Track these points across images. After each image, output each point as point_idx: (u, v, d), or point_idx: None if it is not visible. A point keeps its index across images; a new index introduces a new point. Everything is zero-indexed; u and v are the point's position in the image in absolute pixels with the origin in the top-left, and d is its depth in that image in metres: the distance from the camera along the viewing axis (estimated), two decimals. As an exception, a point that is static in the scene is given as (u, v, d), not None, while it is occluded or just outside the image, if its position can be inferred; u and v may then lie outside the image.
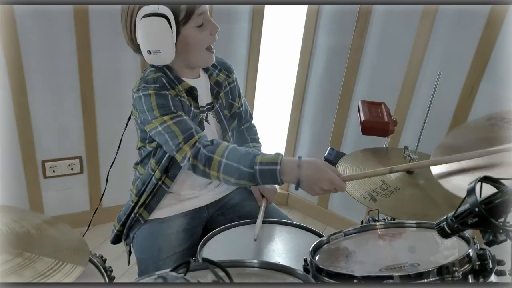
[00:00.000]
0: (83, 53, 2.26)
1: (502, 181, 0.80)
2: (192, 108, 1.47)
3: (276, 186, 1.65)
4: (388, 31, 2.29)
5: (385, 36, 2.31)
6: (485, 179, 0.81)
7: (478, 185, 0.81)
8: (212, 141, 1.36)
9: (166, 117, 1.36)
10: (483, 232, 0.81)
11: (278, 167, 1.25)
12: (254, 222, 1.49)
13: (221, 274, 0.62)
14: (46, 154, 2.41)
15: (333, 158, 1.76)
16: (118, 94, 2.38)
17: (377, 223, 1.16)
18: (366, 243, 1.11)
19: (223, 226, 1.46)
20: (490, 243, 0.80)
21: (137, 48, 1.40)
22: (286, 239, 1.45)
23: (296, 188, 1.28)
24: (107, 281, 1.16)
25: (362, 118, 1.71)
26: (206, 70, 1.57)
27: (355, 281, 0.87)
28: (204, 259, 0.59)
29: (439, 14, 2.12)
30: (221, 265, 0.59)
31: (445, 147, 1.22)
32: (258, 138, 1.79)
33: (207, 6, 1.39)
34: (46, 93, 2.28)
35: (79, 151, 2.47)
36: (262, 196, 1.68)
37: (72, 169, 2.49)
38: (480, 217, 0.79)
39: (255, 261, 0.99)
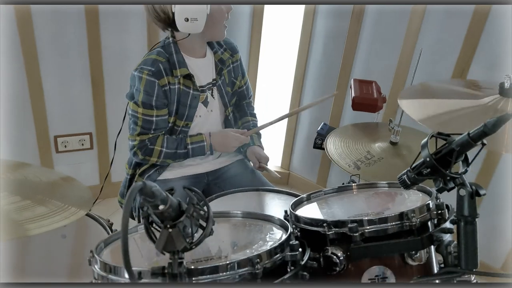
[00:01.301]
0: (93, 35, 2.38)
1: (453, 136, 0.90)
2: (191, 91, 1.61)
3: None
4: (383, 17, 2.38)
5: (380, 21, 2.39)
6: (438, 134, 0.92)
7: (432, 140, 0.92)
8: (153, 136, 1.63)
9: (140, 109, 1.58)
10: (435, 180, 0.92)
11: (205, 142, 1.65)
12: (252, 190, 1.61)
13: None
14: (58, 130, 2.55)
15: (325, 132, 1.87)
16: (127, 73, 2.48)
17: (353, 184, 1.26)
18: (342, 199, 1.22)
19: (223, 192, 1.56)
20: (440, 190, 0.91)
21: (167, 22, 1.53)
22: (279, 204, 1.54)
23: (211, 152, 1.69)
24: (110, 233, 1.30)
25: (353, 94, 1.82)
26: (211, 47, 1.70)
27: (324, 224, 0.98)
28: (185, 187, 0.71)
29: (430, 5, 2.20)
30: (199, 192, 0.70)
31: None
32: (255, 113, 1.94)
33: None
34: (58, 73, 2.42)
35: (90, 127, 2.61)
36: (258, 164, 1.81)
37: (82, 144, 2.63)
38: (431, 167, 0.90)
39: (239, 211, 1.11)
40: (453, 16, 2.17)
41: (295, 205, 1.18)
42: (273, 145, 2.82)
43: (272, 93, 2.93)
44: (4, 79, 2.30)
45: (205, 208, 0.70)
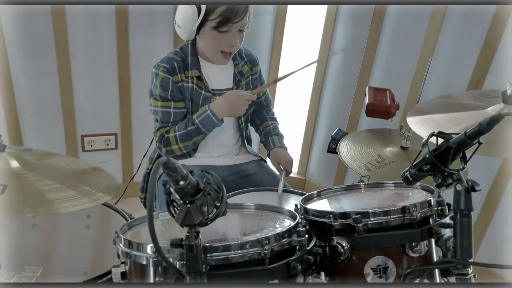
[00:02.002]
0: (122, 38, 2.51)
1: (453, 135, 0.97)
2: (203, 92, 1.70)
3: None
4: (401, 27, 2.45)
5: (398, 31, 2.47)
6: (439, 133, 0.99)
7: (433, 139, 0.99)
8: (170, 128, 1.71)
9: (159, 102, 1.69)
10: (434, 176, 0.98)
11: (208, 111, 1.65)
12: (269, 190, 1.67)
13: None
14: (85, 130, 2.68)
15: (339, 137, 1.94)
16: (152, 77, 2.63)
17: (362, 183, 1.34)
18: (350, 197, 1.29)
19: (239, 190, 1.63)
20: (439, 185, 0.98)
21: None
22: (293, 203, 1.60)
23: (216, 118, 1.66)
24: (128, 220, 1.38)
25: (367, 101, 1.90)
26: (233, 59, 1.80)
27: (330, 216, 1.06)
28: (203, 170, 0.80)
29: (448, 14, 2.26)
30: (215, 175, 0.79)
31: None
32: (275, 117, 2.03)
33: (241, 24, 1.63)
34: (88, 76, 2.56)
35: (115, 128, 2.74)
36: (281, 168, 1.87)
37: (107, 144, 2.75)
38: (431, 163, 0.97)
39: (252, 204, 1.19)
40: (470, 25, 2.22)
41: (305, 200, 1.25)
42: (290, 152, 2.89)
43: (291, 100, 3.01)
44: (37, 79, 2.44)
45: (219, 189, 0.79)
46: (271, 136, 1.93)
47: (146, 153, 1.98)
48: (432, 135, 0.98)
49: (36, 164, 1.15)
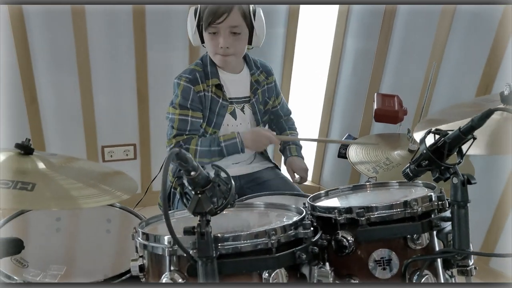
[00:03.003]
0: (140, 53, 2.62)
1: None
2: (221, 100, 1.78)
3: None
4: (409, 36, 2.52)
5: (406, 40, 2.53)
6: (436, 131, 1.04)
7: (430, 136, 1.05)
8: (188, 137, 1.77)
9: (177, 110, 1.77)
10: (432, 171, 1.04)
11: (238, 139, 1.76)
12: (281, 194, 1.72)
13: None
14: (105, 140, 2.78)
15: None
16: (170, 89, 2.72)
17: (367, 183, 1.39)
18: (357, 195, 1.35)
19: (254, 194, 1.67)
20: (437, 179, 1.04)
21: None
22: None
23: (243, 150, 1.78)
24: (142, 219, 1.45)
25: (375, 107, 1.96)
26: (250, 68, 1.89)
27: (336, 211, 1.12)
28: (213, 164, 0.87)
29: (455, 21, 2.32)
30: (224, 170, 0.86)
31: (430, 121, 1.45)
32: (296, 127, 2.12)
33: (225, 25, 1.69)
34: (108, 88, 2.66)
35: (134, 139, 2.83)
36: (294, 176, 1.94)
37: (127, 154, 2.85)
38: (428, 158, 1.03)
39: (261, 202, 1.26)
40: (477, 32, 2.28)
41: (314, 199, 1.31)
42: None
43: (304, 109, 3.08)
44: (60, 90, 2.56)
45: (228, 181, 0.86)
46: (289, 145, 2.00)
47: (164, 162, 2.04)
48: (429, 132, 1.04)
49: (61, 166, 1.24)
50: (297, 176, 1.94)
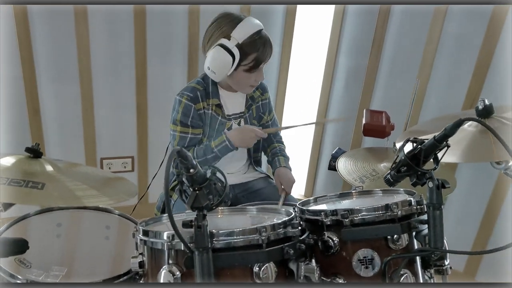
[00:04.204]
0: (140, 68, 2.73)
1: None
2: (220, 118, 1.88)
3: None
4: (398, 55, 2.64)
5: (395, 58, 2.66)
6: (413, 140, 1.14)
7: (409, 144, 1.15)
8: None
9: (179, 127, 1.85)
10: (411, 176, 1.14)
11: (226, 142, 1.81)
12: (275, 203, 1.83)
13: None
14: (104, 152, 2.87)
15: (339, 155, 2.10)
16: (168, 104, 2.82)
17: (353, 191, 1.49)
18: (342, 201, 1.44)
19: (251, 203, 1.78)
20: (414, 184, 1.13)
21: (206, 53, 1.85)
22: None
23: (232, 147, 1.82)
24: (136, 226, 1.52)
25: (364, 122, 2.06)
26: None
27: (322, 213, 1.21)
28: (210, 165, 0.96)
29: (442, 40, 2.45)
30: (221, 170, 0.96)
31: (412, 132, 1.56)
32: (283, 142, 2.21)
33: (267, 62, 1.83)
34: (108, 102, 2.77)
35: (132, 151, 2.93)
36: (282, 188, 2.02)
37: (125, 167, 2.93)
38: (406, 165, 1.12)
39: (253, 207, 1.36)
40: (463, 50, 2.42)
41: (303, 204, 1.40)
42: (296, 174, 3.04)
43: (298, 123, 3.18)
44: (62, 103, 2.66)
45: (223, 180, 0.95)
46: (277, 156, 2.09)
47: (156, 174, 2.11)
48: (407, 140, 1.14)
49: (67, 169, 1.34)
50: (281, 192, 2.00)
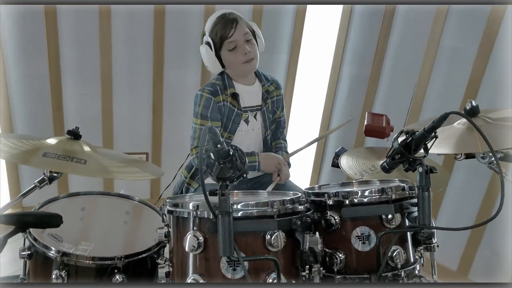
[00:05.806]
0: (157, 71, 2.93)
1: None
2: (236, 109, 2.06)
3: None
4: (399, 62, 2.82)
5: (396, 68, 2.84)
6: (406, 131, 1.31)
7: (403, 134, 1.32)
8: None
9: (199, 120, 2.02)
10: (404, 163, 1.31)
11: (257, 163, 2.00)
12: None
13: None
14: (120, 148, 3.05)
15: (342, 153, 2.27)
16: (182, 104, 3.01)
17: (354, 181, 1.66)
18: (345, 187, 1.61)
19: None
20: (407, 170, 1.30)
21: None
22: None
23: (258, 169, 2.00)
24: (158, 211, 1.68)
25: (365, 123, 2.23)
26: (260, 80, 2.16)
27: (325, 195, 1.38)
28: (232, 145, 1.14)
29: (439, 51, 2.63)
30: (241, 150, 1.13)
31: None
32: (286, 140, 2.36)
33: (239, 35, 1.97)
34: (127, 101, 2.96)
35: (147, 148, 3.11)
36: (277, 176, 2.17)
37: (139, 162, 3.11)
38: (399, 152, 1.29)
39: (264, 191, 1.54)
40: (458, 60, 2.59)
41: (308, 189, 1.57)
42: (301, 171, 3.23)
43: (304, 126, 3.36)
44: (83, 100, 2.85)
45: (243, 157, 1.13)
46: (280, 150, 2.25)
47: (175, 176, 2.25)
48: (401, 132, 1.31)
49: (101, 151, 1.51)
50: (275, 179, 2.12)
